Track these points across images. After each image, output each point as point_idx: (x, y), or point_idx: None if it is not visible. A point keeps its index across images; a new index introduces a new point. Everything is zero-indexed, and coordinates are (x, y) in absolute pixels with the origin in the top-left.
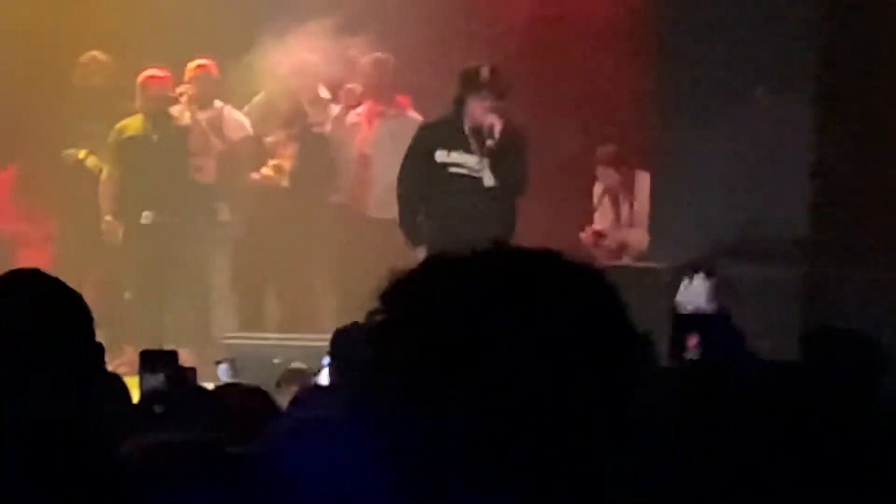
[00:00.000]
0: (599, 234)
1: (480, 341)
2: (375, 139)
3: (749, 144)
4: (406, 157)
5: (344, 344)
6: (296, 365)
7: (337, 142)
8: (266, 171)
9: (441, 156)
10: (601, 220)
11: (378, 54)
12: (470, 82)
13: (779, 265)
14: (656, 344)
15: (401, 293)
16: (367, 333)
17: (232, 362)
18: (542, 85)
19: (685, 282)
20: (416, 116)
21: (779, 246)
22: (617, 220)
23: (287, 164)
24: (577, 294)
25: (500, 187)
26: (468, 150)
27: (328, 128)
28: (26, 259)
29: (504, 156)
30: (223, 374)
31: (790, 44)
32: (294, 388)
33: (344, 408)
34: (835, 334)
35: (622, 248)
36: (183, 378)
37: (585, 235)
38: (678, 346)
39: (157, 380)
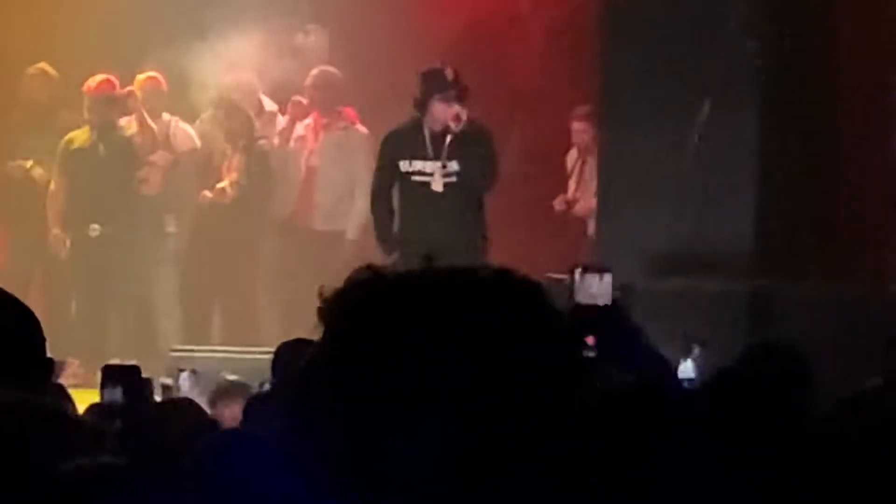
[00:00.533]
0: (571, 202)
1: (410, 359)
2: (322, 151)
3: (693, 158)
4: (376, 170)
5: (287, 358)
6: (231, 378)
7: (283, 154)
8: (217, 189)
9: (404, 165)
10: (576, 188)
11: (324, 67)
12: (434, 83)
13: (721, 279)
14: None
15: (335, 311)
16: (304, 349)
17: (193, 372)
18: (488, 88)
19: (577, 281)
20: (362, 129)
21: (721, 260)
22: (589, 183)
23: (234, 179)
24: (504, 308)
25: (465, 183)
26: (427, 157)
27: (275, 140)
28: None
29: (467, 151)
30: (185, 384)
31: (734, 58)
32: (231, 402)
33: (278, 423)
34: (768, 349)
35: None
36: (143, 394)
37: (557, 202)
38: (574, 342)
39: (117, 394)
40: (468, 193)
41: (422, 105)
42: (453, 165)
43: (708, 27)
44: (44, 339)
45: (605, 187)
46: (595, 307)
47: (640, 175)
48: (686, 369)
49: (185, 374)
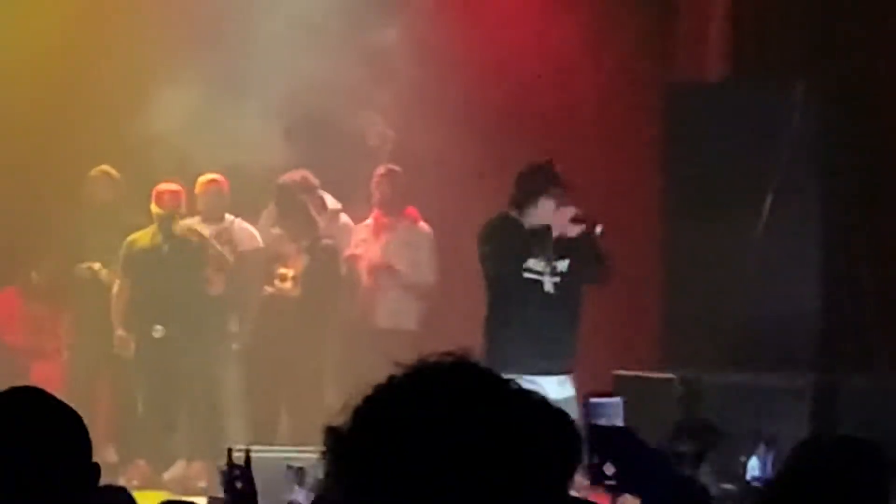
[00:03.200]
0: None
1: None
2: (384, 250)
3: (758, 250)
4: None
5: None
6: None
7: (346, 252)
8: (279, 283)
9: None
10: None
11: (387, 165)
12: (545, 179)
13: (787, 371)
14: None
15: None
16: (326, 445)
17: (299, 471)
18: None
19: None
20: (425, 227)
21: (787, 351)
22: None
23: (298, 275)
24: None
25: (573, 282)
26: (538, 255)
27: (338, 239)
28: (39, 371)
29: (576, 250)
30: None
31: (797, 149)
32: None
33: None
34: (844, 443)
35: None
36: None
37: None
38: (597, 472)
39: None
40: (574, 293)
41: (528, 202)
42: (562, 265)
43: (769, 119)
44: (90, 444)
45: (671, 281)
46: (609, 428)
47: (704, 269)
48: (753, 467)
49: (301, 493)
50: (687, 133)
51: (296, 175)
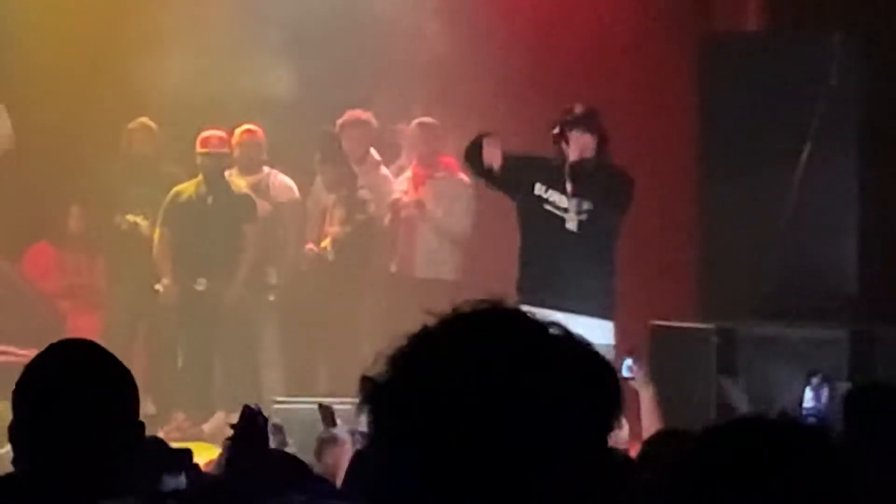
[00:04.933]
0: None
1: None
2: (423, 200)
3: (794, 203)
4: (504, 168)
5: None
6: (331, 431)
7: (385, 204)
8: (322, 246)
9: (539, 189)
10: None
11: (423, 119)
12: (572, 118)
13: (824, 323)
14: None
15: (400, 358)
16: (365, 397)
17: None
18: None
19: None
20: (463, 177)
21: (824, 304)
22: None
23: (337, 232)
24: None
25: (597, 222)
26: (563, 191)
27: (377, 191)
28: (76, 323)
29: (601, 186)
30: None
31: (834, 101)
32: (333, 452)
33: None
34: (881, 390)
35: None
36: (199, 476)
37: None
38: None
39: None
40: (602, 234)
41: (560, 140)
42: (587, 204)
43: (807, 71)
44: (138, 402)
45: (707, 232)
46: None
47: (741, 220)
48: (808, 398)
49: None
50: (724, 83)
51: (356, 114)
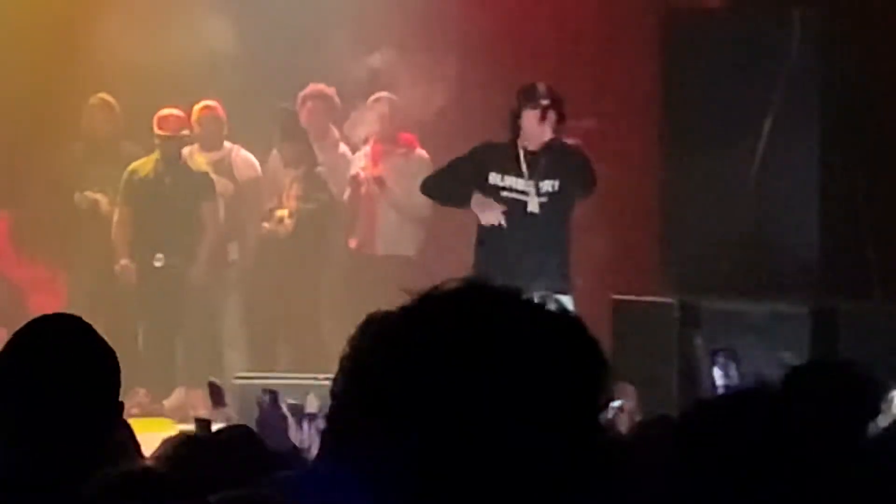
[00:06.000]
0: None
1: (439, 387)
2: (382, 177)
3: (755, 176)
4: (450, 168)
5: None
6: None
7: (343, 181)
8: (275, 220)
9: (494, 178)
10: None
11: (380, 94)
12: (526, 97)
13: (785, 298)
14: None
15: (380, 335)
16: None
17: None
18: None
19: None
20: (423, 154)
21: (784, 278)
22: None
23: (293, 207)
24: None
25: (558, 202)
26: (519, 174)
27: (335, 167)
28: (38, 304)
29: (562, 167)
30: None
31: (796, 75)
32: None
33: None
34: (825, 368)
35: None
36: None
37: None
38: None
39: None
40: (560, 213)
41: (515, 118)
42: (548, 185)
43: (768, 47)
44: (119, 382)
45: (669, 207)
46: None
47: (703, 196)
48: (717, 376)
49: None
50: (685, 59)
51: (318, 87)
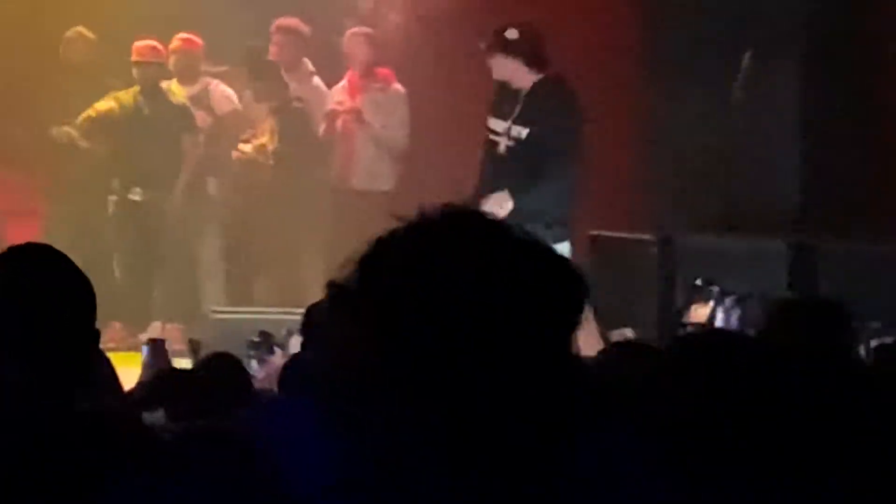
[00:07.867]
0: None
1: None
2: (359, 112)
3: (735, 111)
4: None
5: (317, 321)
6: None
7: (320, 115)
8: (245, 147)
9: (489, 119)
10: None
11: (357, 28)
12: (496, 42)
13: (764, 234)
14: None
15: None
16: (329, 306)
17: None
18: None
19: None
20: (399, 88)
21: (764, 215)
22: None
23: (268, 140)
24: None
25: (530, 150)
26: (499, 115)
27: (311, 102)
28: (15, 232)
29: (541, 113)
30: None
31: (777, 9)
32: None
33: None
34: (804, 304)
35: None
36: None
37: None
38: None
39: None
40: (533, 161)
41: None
42: (519, 129)
43: None
44: (94, 311)
45: (648, 143)
46: None
47: (684, 133)
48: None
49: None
50: None
51: (286, 21)
